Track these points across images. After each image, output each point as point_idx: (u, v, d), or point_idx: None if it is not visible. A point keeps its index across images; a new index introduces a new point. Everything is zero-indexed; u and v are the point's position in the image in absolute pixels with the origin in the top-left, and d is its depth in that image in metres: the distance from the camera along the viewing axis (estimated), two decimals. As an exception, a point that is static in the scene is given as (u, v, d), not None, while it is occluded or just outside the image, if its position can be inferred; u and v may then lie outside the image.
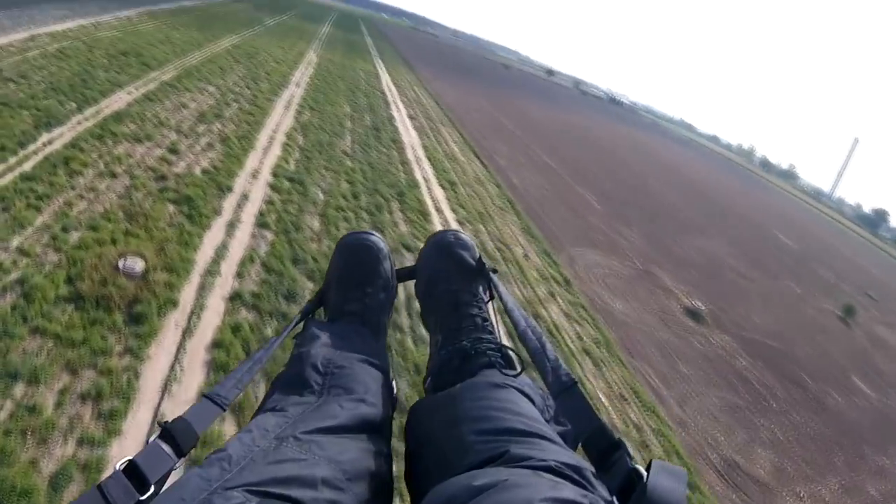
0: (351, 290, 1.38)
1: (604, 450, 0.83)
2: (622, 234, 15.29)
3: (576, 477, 0.78)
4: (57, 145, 7.95)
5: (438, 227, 10.62)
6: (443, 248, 1.49)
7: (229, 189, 8.60)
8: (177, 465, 0.82)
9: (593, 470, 0.82)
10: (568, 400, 0.96)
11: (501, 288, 1.36)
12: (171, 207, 7.39)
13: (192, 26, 24.02)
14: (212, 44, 21.17)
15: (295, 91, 17.49)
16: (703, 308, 12.32)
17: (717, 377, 9.50)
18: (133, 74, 13.76)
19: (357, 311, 1.34)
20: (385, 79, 26.99)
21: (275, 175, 9.75)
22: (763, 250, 22.63)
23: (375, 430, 1.03)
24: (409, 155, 14.74)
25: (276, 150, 11.14)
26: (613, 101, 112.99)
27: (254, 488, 0.72)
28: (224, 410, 0.95)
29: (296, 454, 0.83)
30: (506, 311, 1.26)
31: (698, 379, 9.10)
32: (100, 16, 21.85)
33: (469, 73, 50.69)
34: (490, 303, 1.47)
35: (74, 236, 5.98)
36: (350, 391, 1.06)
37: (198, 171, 8.92)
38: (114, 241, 6.10)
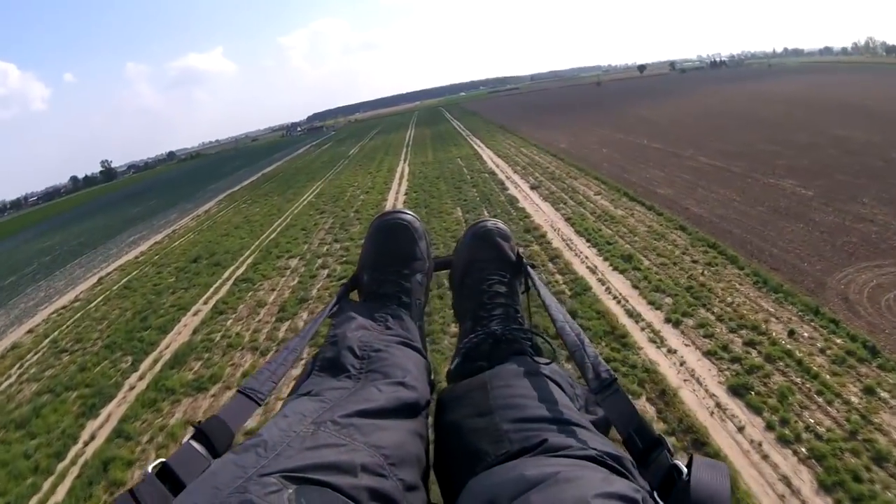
0: (386, 272, 1.34)
1: (645, 447, 0.81)
2: (862, 216, 10.42)
3: (618, 467, 0.77)
4: (99, 440, 6.72)
5: (650, 352, 6.68)
6: (482, 237, 1.43)
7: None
8: (212, 464, 0.76)
9: (632, 460, 0.81)
10: (609, 397, 0.92)
11: (539, 282, 1.31)
12: None
13: (273, 192, 22.33)
14: (293, 203, 18.94)
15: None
16: None
17: None
18: (203, 284, 11.98)
19: (393, 293, 1.31)
20: (487, 156, 23.76)
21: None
22: None
23: (416, 413, 0.99)
24: (555, 240, 10.96)
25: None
26: (715, 64, 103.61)
27: (291, 474, 0.69)
28: (260, 405, 0.93)
29: (335, 439, 0.79)
30: (544, 307, 1.19)
31: None
32: (177, 221, 20.96)
33: (567, 109, 46.80)
34: (525, 294, 1.41)
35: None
36: (388, 375, 1.02)
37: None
38: None
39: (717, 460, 0.72)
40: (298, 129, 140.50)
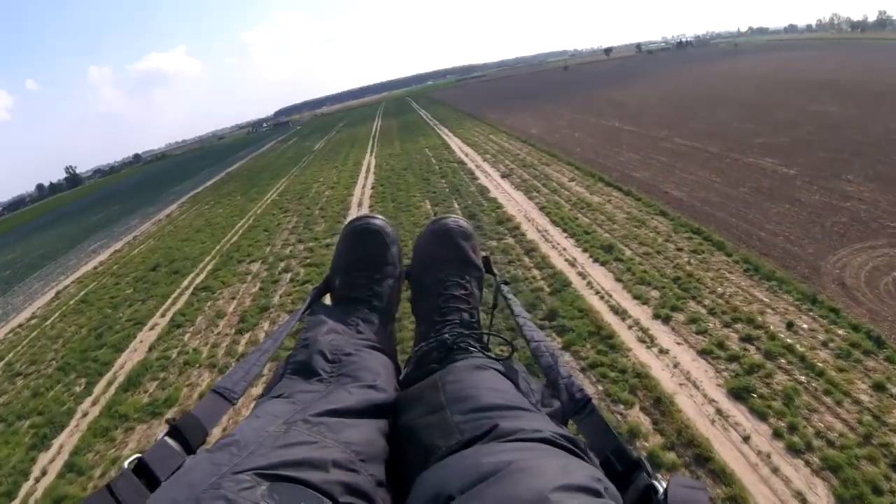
0: (358, 276, 1.33)
1: (624, 469, 0.78)
2: (848, 194, 9.99)
3: (574, 448, 0.76)
4: (51, 475, 6.10)
5: (641, 353, 6.14)
6: (441, 236, 1.41)
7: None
8: (186, 461, 0.76)
9: (585, 441, 0.82)
10: (584, 418, 0.91)
11: (513, 300, 1.31)
12: None
13: (237, 192, 21.52)
14: (256, 203, 18.19)
15: (354, 211, 13.78)
16: None
17: None
18: (161, 294, 11.37)
19: (364, 298, 1.30)
20: (456, 145, 23.10)
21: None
22: None
23: (385, 414, 0.99)
24: (529, 231, 10.40)
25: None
26: (681, 45, 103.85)
27: (264, 472, 0.68)
28: (233, 404, 0.94)
29: (306, 437, 0.79)
30: (517, 327, 1.19)
31: None
32: (139, 227, 20.12)
33: (536, 94, 46.13)
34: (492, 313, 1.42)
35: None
36: (358, 378, 1.02)
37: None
38: None
39: (697, 481, 0.73)
40: (264, 125, 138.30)
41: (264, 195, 19.62)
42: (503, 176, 15.46)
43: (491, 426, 0.80)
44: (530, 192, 13.21)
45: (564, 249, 9.18)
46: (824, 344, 5.68)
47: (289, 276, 10.32)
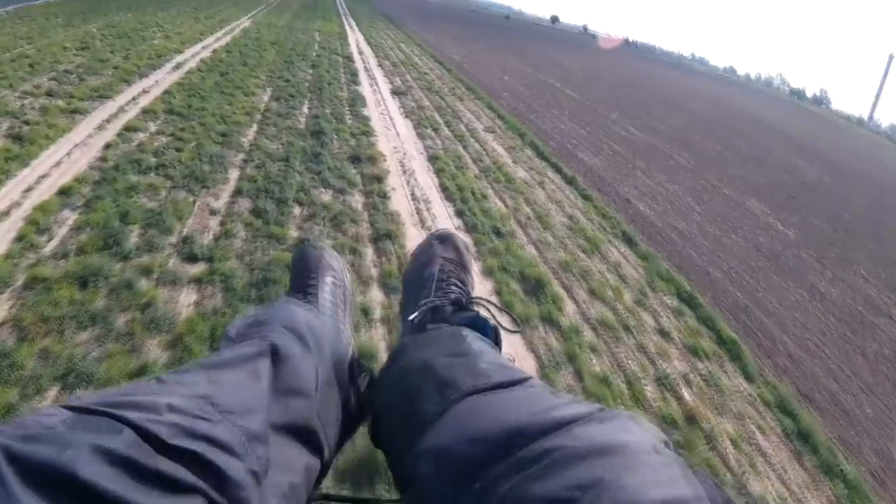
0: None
1: None
2: (871, 299, 6.63)
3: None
4: None
5: None
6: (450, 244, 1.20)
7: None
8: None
9: None
10: None
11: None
12: None
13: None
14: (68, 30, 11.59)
15: (163, 78, 8.46)
16: None
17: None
18: None
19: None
20: (354, 39, 17.59)
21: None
22: None
23: (285, 361, 0.75)
24: (397, 192, 5.72)
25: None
26: (627, 44, 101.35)
27: (74, 406, 0.53)
28: None
29: (147, 389, 0.61)
30: None
31: None
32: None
33: (470, 26, 40.49)
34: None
35: None
36: (254, 337, 0.79)
37: None
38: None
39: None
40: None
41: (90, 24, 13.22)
42: (395, 93, 10.41)
43: (526, 377, 0.68)
44: (423, 127, 8.37)
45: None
46: None
47: None
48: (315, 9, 26.72)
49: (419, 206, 5.43)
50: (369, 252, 4.32)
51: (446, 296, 1.04)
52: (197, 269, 3.68)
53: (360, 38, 18.29)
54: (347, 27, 20.85)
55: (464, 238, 1.22)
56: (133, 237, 3.86)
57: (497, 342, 0.94)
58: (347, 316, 1.12)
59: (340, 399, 0.81)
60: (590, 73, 24.70)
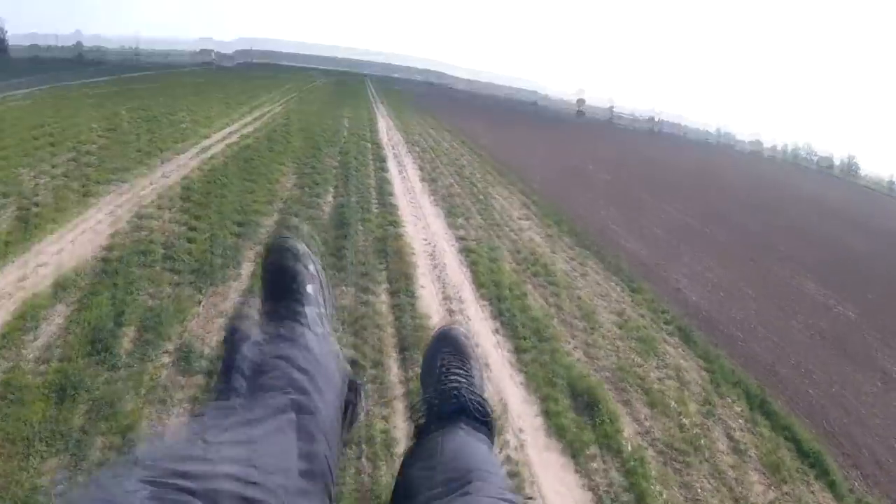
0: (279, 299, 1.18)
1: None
2: None
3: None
4: None
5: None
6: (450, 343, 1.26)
7: None
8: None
9: None
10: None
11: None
12: None
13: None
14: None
15: (186, 163, 8.33)
16: None
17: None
18: None
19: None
20: (384, 125, 17.67)
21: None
22: None
23: (306, 413, 0.84)
24: (426, 290, 5.22)
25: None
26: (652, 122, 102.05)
27: (150, 479, 0.61)
28: None
29: (200, 452, 0.70)
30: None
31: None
32: None
33: (498, 112, 40.99)
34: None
35: None
36: (274, 389, 0.87)
37: None
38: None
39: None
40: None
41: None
42: (424, 179, 10.09)
43: (466, 482, 0.82)
44: (454, 216, 7.92)
45: (490, 373, 3.86)
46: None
47: None
48: (346, 95, 27.37)
49: (451, 305, 4.89)
50: (394, 365, 3.75)
51: (446, 391, 1.10)
52: (192, 383, 3.22)
53: (391, 123, 18.39)
54: (378, 114, 21.05)
55: (465, 330, 1.30)
56: (126, 341, 3.49)
57: (490, 429, 1.08)
58: (331, 317, 1.16)
59: (341, 422, 0.92)
60: (620, 154, 24.53)
